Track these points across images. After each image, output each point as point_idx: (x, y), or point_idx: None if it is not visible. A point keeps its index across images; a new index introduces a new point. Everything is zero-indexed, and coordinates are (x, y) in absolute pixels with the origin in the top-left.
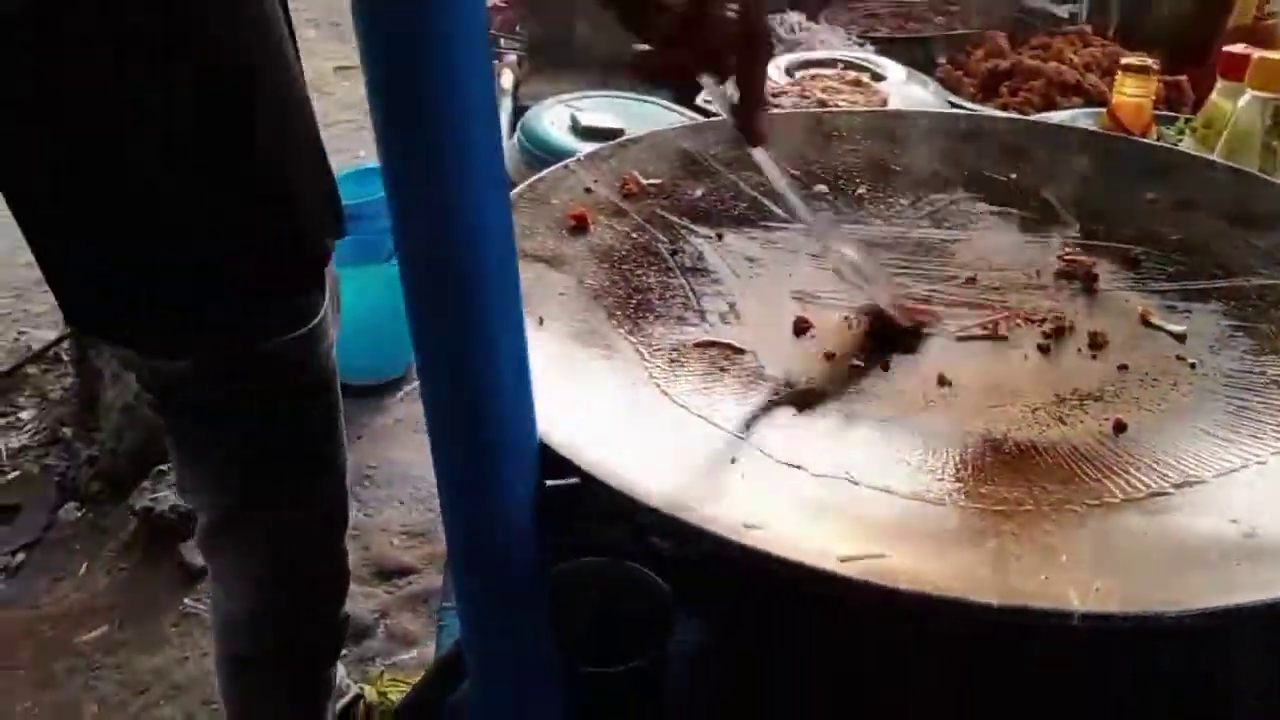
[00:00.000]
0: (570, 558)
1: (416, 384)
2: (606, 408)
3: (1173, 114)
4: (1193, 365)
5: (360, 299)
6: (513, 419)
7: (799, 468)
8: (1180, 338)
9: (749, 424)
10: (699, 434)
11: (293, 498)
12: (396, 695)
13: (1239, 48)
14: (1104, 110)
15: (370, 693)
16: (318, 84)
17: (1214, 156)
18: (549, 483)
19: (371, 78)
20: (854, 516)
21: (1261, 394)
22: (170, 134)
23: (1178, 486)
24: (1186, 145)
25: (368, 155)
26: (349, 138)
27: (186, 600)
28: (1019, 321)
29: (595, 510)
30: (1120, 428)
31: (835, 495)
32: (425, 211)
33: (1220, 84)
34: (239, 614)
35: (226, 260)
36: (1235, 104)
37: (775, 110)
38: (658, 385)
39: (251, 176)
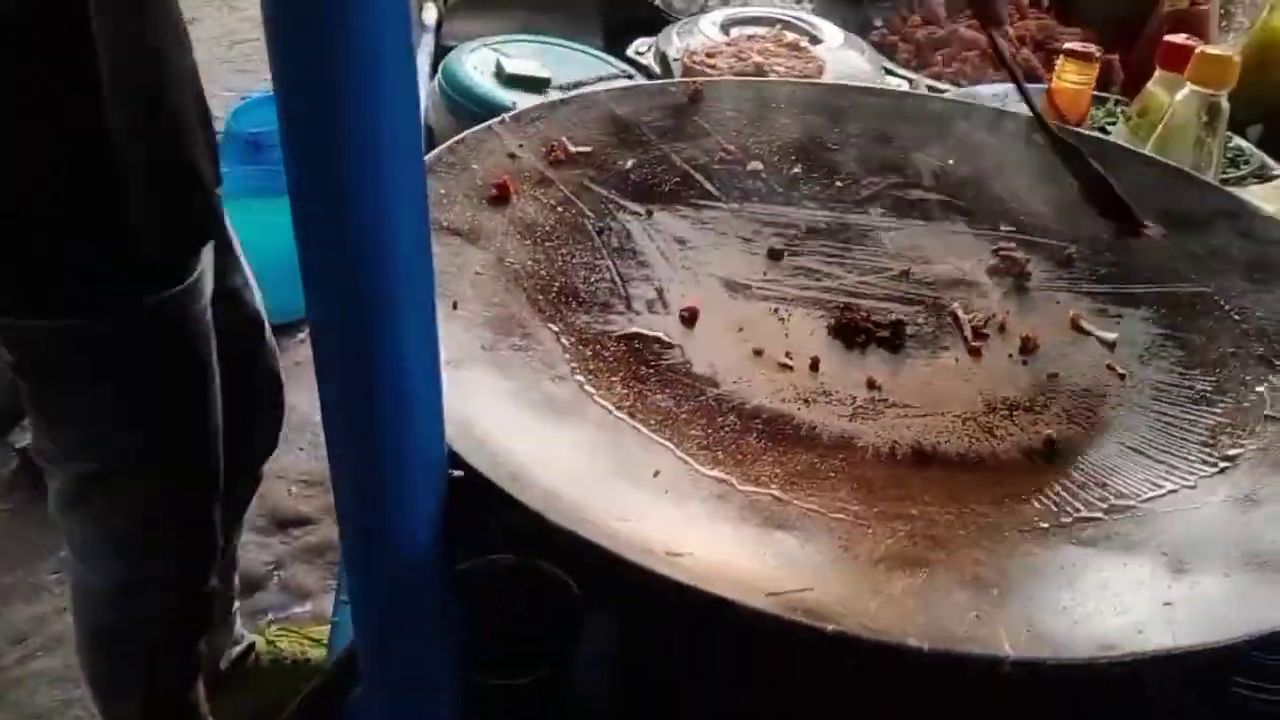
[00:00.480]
0: (475, 552)
1: None
2: (522, 405)
3: (1102, 94)
4: (1122, 376)
5: (261, 234)
6: (419, 416)
7: (724, 481)
8: (1110, 345)
9: (673, 428)
10: (621, 439)
11: (160, 461)
12: (286, 645)
13: (1180, 38)
14: (1038, 85)
15: (260, 643)
16: None
17: (1147, 148)
18: (453, 473)
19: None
20: (781, 539)
21: (1189, 410)
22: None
23: (1108, 512)
24: (1117, 131)
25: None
26: (258, 57)
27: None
28: (949, 321)
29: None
30: (1050, 444)
31: (761, 514)
32: (326, 180)
33: (1158, 74)
34: (101, 585)
35: (82, 213)
36: (1171, 95)
37: (712, 75)
38: (579, 381)
39: (110, 126)
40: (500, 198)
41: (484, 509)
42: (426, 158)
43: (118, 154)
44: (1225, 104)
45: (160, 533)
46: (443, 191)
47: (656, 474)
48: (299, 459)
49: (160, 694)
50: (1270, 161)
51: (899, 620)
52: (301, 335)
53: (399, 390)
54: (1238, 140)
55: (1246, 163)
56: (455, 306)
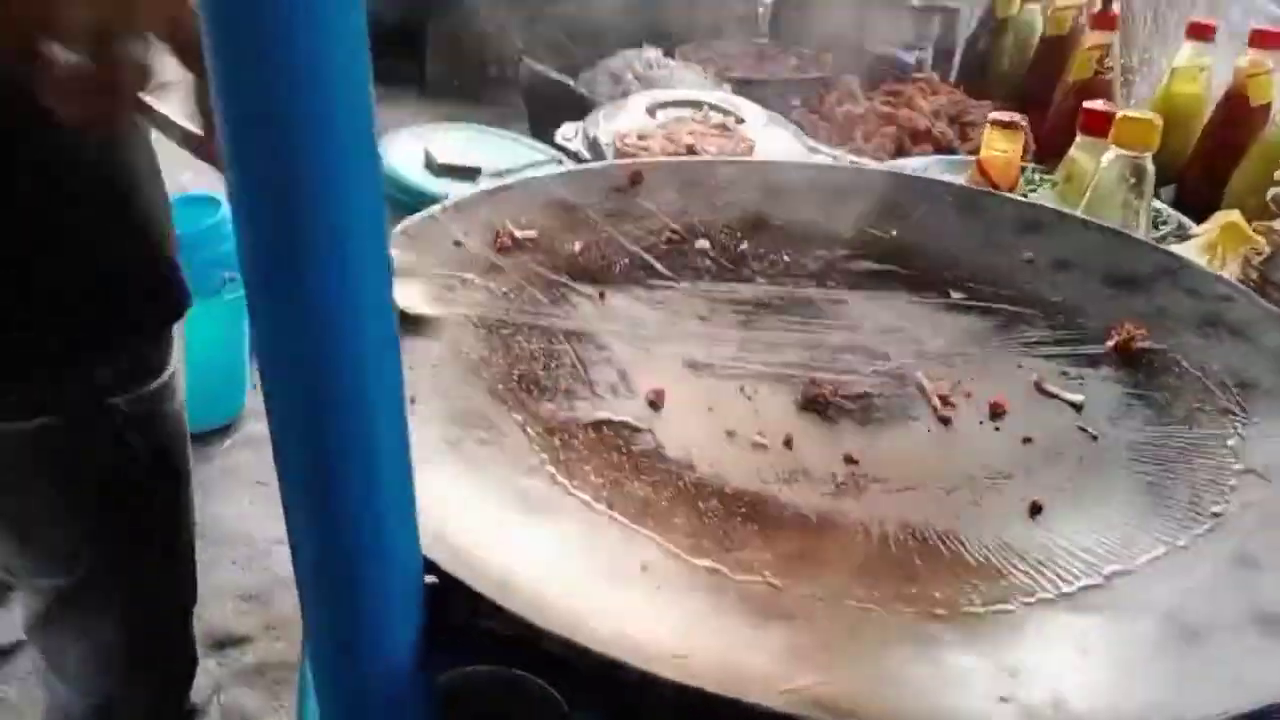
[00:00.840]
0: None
1: (246, 431)
2: (496, 503)
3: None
4: (1095, 438)
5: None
6: (393, 524)
7: (716, 571)
8: (1078, 407)
9: (656, 518)
10: (603, 533)
11: (135, 574)
12: None
13: (1099, 104)
14: (956, 158)
15: None
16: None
17: (1078, 212)
18: (429, 579)
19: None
20: (783, 630)
21: (1167, 467)
22: None
23: (1107, 578)
24: (1043, 196)
25: (192, 178)
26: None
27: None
28: (915, 390)
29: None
30: (1037, 510)
31: (759, 604)
32: (286, 278)
33: (1080, 139)
34: (83, 706)
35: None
36: (1093, 159)
37: (648, 159)
38: (551, 474)
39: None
40: (448, 288)
41: (464, 614)
42: None
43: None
44: (1150, 165)
45: (142, 646)
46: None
47: (644, 568)
48: (232, 574)
49: None
50: (1186, 221)
51: (924, 710)
52: (228, 441)
53: (371, 497)
54: (1155, 202)
55: (1165, 223)
56: (413, 402)
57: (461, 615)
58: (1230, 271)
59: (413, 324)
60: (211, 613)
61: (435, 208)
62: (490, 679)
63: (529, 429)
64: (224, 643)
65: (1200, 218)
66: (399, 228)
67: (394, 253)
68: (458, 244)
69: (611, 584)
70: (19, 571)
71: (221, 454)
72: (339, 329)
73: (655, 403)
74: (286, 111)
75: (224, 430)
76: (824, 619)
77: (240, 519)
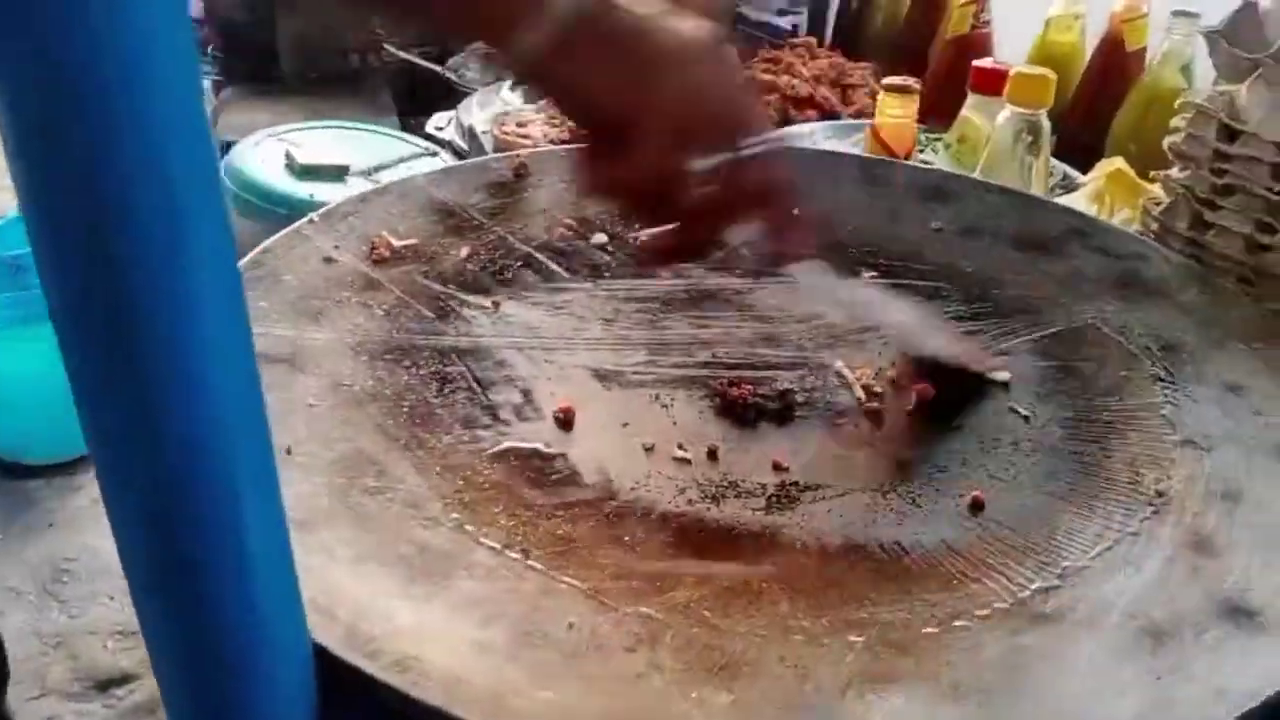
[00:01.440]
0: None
1: None
2: (393, 564)
3: None
4: (1026, 418)
5: (29, 364)
6: (275, 627)
7: (649, 618)
8: (1005, 385)
9: (577, 559)
10: (520, 586)
11: None
12: None
13: (989, 62)
14: (840, 122)
15: None
16: None
17: (975, 174)
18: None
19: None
20: (731, 681)
21: (1104, 445)
22: None
23: (1060, 577)
24: (939, 160)
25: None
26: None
27: None
28: (836, 381)
29: None
30: (978, 506)
31: (701, 653)
32: (104, 313)
33: (972, 98)
34: None
35: None
36: (986, 119)
37: (527, 144)
38: (456, 520)
39: None
40: (321, 310)
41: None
42: None
43: None
44: (1045, 122)
45: None
46: (254, 313)
47: (571, 626)
48: (109, 610)
49: None
50: (1072, 171)
51: None
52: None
53: (246, 596)
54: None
55: (1051, 175)
56: (289, 452)
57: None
58: (1121, 219)
59: (282, 359)
60: (92, 653)
61: (301, 221)
62: None
63: (426, 469)
64: (107, 683)
65: (1083, 167)
66: (261, 247)
67: (255, 274)
68: (329, 260)
69: (534, 649)
70: None
71: (89, 482)
72: (179, 389)
73: (565, 422)
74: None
75: (87, 458)
76: (770, 663)
77: (114, 551)
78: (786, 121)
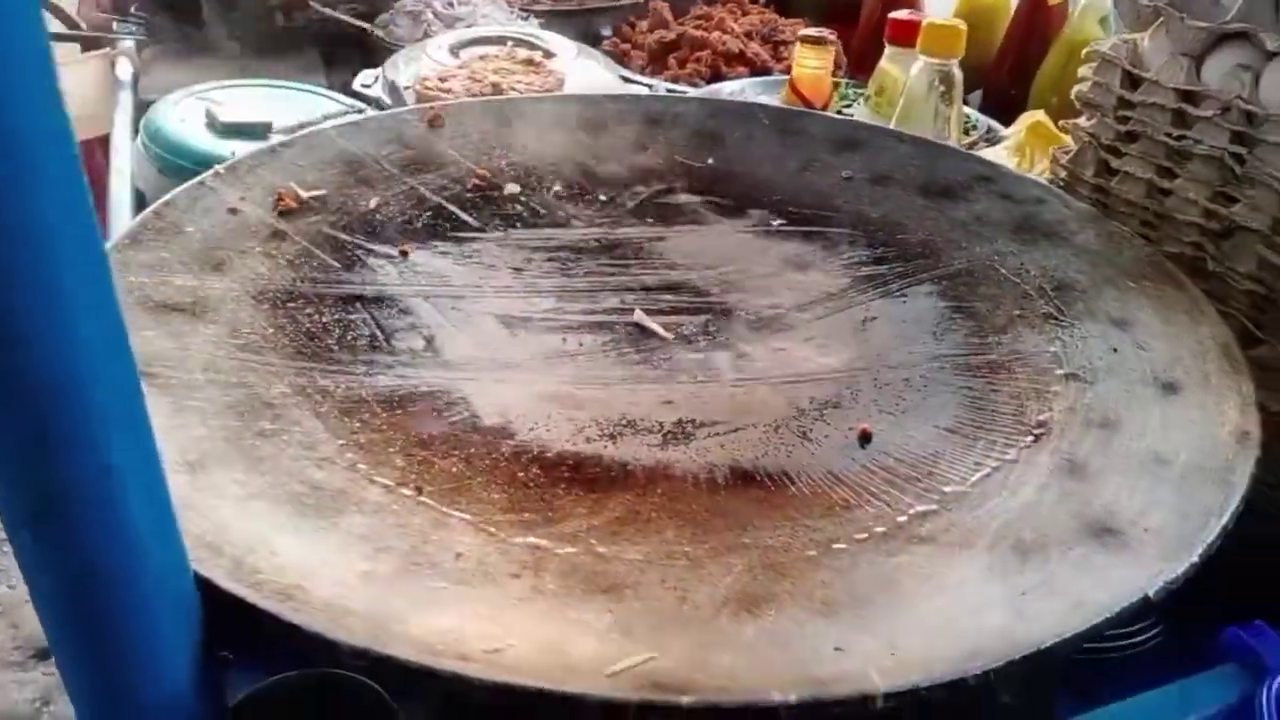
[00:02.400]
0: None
1: None
2: (284, 502)
3: (833, 79)
4: (920, 355)
5: None
6: (147, 544)
7: (537, 547)
8: (903, 324)
9: (470, 496)
10: (411, 521)
11: None
12: None
13: (905, 13)
14: (772, 78)
15: None
16: None
17: (892, 125)
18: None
19: None
20: (611, 604)
21: (990, 379)
22: None
23: (939, 502)
24: (858, 111)
25: None
26: None
27: None
28: (740, 326)
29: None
30: (866, 438)
31: (584, 578)
32: None
33: (889, 50)
34: None
35: None
36: (904, 69)
37: (448, 99)
38: (350, 460)
39: None
40: (223, 263)
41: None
42: (131, 225)
43: None
44: (958, 72)
45: None
46: (152, 263)
47: (458, 556)
48: None
49: None
50: (996, 124)
51: (759, 673)
52: None
53: (117, 530)
54: (964, 108)
55: (975, 127)
56: (185, 397)
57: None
58: (1040, 171)
59: (181, 308)
60: (32, 622)
61: (206, 174)
62: (298, 685)
63: (323, 413)
64: (48, 651)
65: (1008, 120)
66: (163, 200)
67: (157, 225)
68: (233, 211)
69: (420, 578)
70: None
71: None
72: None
73: (467, 367)
74: None
75: None
76: (652, 585)
77: None
78: (718, 77)
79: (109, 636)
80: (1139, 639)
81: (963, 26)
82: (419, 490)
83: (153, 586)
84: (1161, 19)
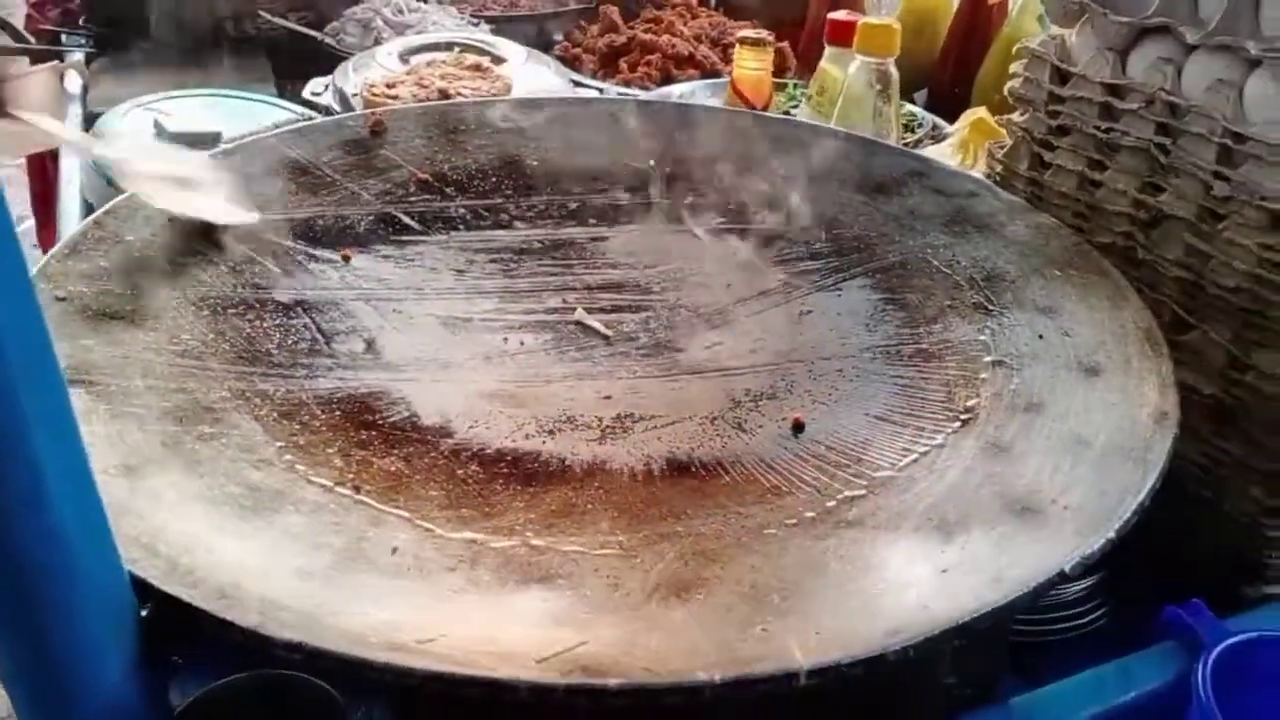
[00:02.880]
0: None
1: None
2: (221, 503)
3: (780, 80)
4: (852, 347)
5: None
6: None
7: (473, 541)
8: (838, 317)
9: (408, 493)
10: (346, 519)
11: None
12: None
13: (842, 14)
14: (721, 80)
15: None
16: None
17: (832, 123)
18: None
19: None
20: (543, 593)
21: (922, 369)
22: None
23: (868, 487)
24: (801, 112)
25: None
26: None
27: None
28: (680, 322)
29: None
30: (799, 427)
31: (519, 569)
32: None
33: (828, 50)
34: None
35: None
36: (843, 69)
37: (394, 104)
38: (288, 462)
39: None
40: (171, 270)
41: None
42: (70, 235)
43: None
44: (894, 71)
45: None
46: (90, 272)
47: (395, 550)
48: None
49: None
50: (940, 122)
51: (684, 654)
52: None
53: (44, 528)
54: (909, 106)
55: (920, 125)
56: (123, 404)
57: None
58: (982, 166)
59: (120, 316)
60: None
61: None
62: (247, 687)
63: (261, 416)
64: None
65: (953, 118)
66: (103, 209)
67: (96, 235)
68: (174, 219)
69: (355, 574)
70: None
71: None
72: None
73: (408, 368)
74: None
75: None
76: (585, 575)
77: None
78: (668, 80)
79: (43, 637)
80: (1082, 620)
81: (897, 26)
82: (357, 489)
83: (84, 586)
84: (1087, 15)
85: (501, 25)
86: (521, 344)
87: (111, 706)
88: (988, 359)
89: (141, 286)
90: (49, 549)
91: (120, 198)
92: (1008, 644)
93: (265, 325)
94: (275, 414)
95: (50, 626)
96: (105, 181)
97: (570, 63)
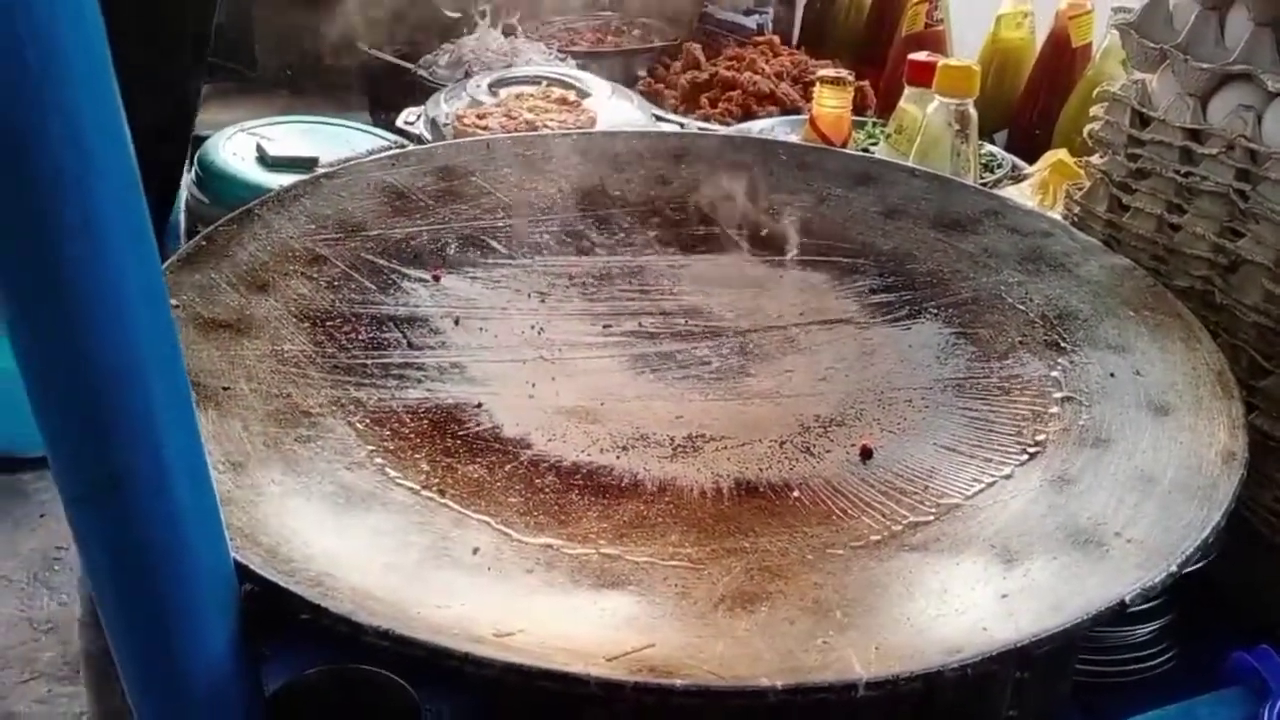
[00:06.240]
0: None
1: None
2: (317, 500)
3: (860, 118)
4: (922, 379)
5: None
6: (192, 534)
7: (550, 546)
8: (909, 349)
9: (489, 499)
10: (433, 520)
11: None
12: None
13: (923, 55)
14: (800, 117)
15: None
16: None
17: (909, 161)
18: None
19: None
20: (615, 598)
21: (989, 401)
22: None
23: (933, 514)
24: (880, 150)
25: None
26: None
27: None
28: (752, 348)
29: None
30: (867, 454)
31: (592, 575)
32: (41, 288)
33: (908, 90)
34: None
35: None
36: (922, 108)
37: (483, 134)
38: (379, 465)
39: None
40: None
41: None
42: (182, 249)
43: None
44: (973, 111)
45: None
46: (203, 283)
47: (476, 551)
48: None
49: None
50: (1020, 162)
51: (748, 661)
52: None
53: (165, 511)
54: (989, 146)
55: (1000, 166)
56: (230, 406)
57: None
58: (1059, 208)
59: (229, 325)
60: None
61: (254, 201)
62: (331, 679)
63: (354, 422)
64: None
65: (1033, 159)
66: (214, 225)
67: (208, 249)
68: (278, 237)
69: (439, 570)
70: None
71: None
72: (100, 331)
73: (491, 383)
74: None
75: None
76: (655, 583)
77: None
78: (749, 116)
79: (155, 611)
80: (1149, 663)
81: (977, 68)
82: (441, 493)
83: (196, 567)
84: (1168, 60)
85: (587, 60)
86: (598, 364)
87: (214, 679)
88: (1057, 395)
89: (248, 298)
90: (169, 530)
91: (229, 215)
92: (1071, 681)
93: (360, 338)
94: (367, 420)
95: (165, 599)
96: (209, 200)
97: (653, 98)
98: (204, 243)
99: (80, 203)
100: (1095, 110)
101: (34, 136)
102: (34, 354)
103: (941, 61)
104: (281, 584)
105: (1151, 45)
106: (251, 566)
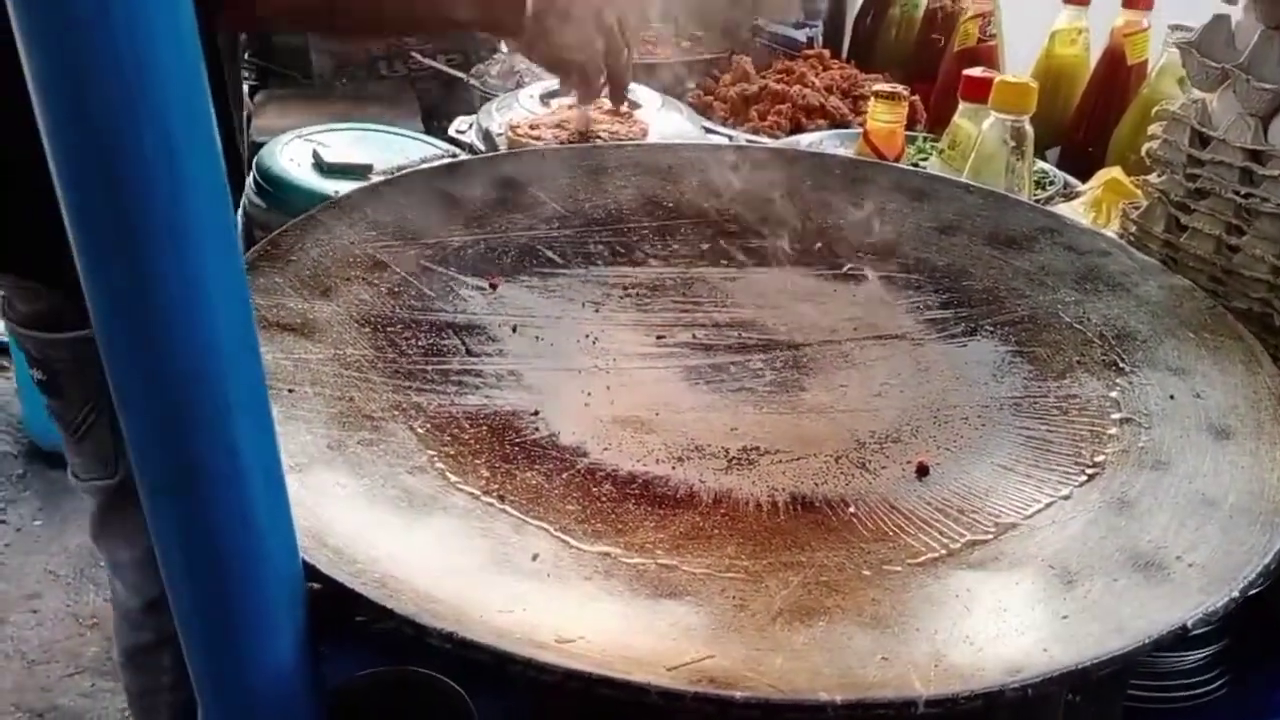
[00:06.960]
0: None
1: None
2: (380, 503)
3: (910, 133)
4: (979, 398)
5: None
6: (264, 531)
7: (608, 555)
8: (965, 366)
9: (547, 506)
10: (493, 525)
11: None
12: None
13: (978, 71)
14: (849, 130)
15: None
16: None
17: (963, 177)
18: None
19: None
20: (673, 608)
21: (1047, 420)
22: None
23: (991, 533)
24: (931, 164)
25: None
26: None
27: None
28: (806, 362)
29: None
30: (923, 471)
31: (650, 584)
32: (128, 284)
33: (962, 106)
34: (136, 604)
35: None
36: (977, 124)
37: (536, 144)
38: (440, 470)
39: None
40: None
41: (354, 618)
42: (247, 254)
43: None
44: (1029, 128)
45: None
46: (267, 287)
47: (535, 557)
48: None
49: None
50: (1073, 180)
51: (807, 675)
52: None
53: (239, 507)
54: (1041, 164)
55: (1052, 183)
56: (295, 408)
57: (351, 619)
58: (1116, 226)
59: (292, 328)
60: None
61: (316, 208)
62: (387, 680)
63: (415, 426)
64: None
65: (1085, 176)
66: (278, 231)
67: (272, 254)
68: (340, 243)
69: (500, 575)
70: (78, 472)
71: None
72: (184, 328)
73: (548, 391)
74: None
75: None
76: (712, 594)
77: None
78: (798, 129)
79: (226, 605)
80: (1201, 690)
81: (1034, 84)
82: (501, 499)
83: (267, 563)
84: (1229, 80)
85: (638, 71)
86: (652, 374)
87: (280, 675)
88: (1116, 416)
89: (311, 302)
90: (239, 523)
91: (292, 221)
92: (1122, 706)
93: (419, 344)
94: (428, 425)
95: (236, 593)
96: (265, 205)
97: (702, 110)
98: (269, 247)
99: (170, 212)
100: (1153, 129)
101: (129, 148)
102: (121, 355)
103: (998, 78)
104: (349, 585)
105: (1213, 65)
106: (319, 566)
